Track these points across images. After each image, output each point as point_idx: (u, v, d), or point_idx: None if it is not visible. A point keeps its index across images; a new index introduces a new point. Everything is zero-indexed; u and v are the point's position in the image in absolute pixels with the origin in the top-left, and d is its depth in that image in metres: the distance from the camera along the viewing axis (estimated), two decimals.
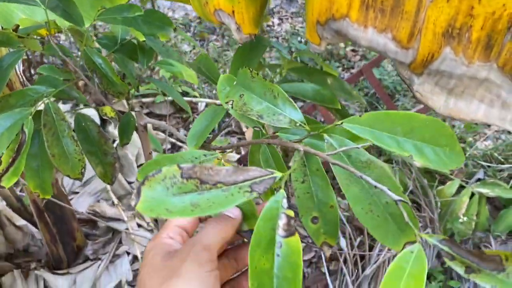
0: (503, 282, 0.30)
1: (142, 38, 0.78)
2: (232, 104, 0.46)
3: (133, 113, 0.79)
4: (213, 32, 2.86)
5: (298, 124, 0.41)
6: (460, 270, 0.31)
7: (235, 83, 0.48)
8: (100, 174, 0.75)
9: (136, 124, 0.79)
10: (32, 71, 2.08)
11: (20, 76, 1.07)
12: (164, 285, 0.38)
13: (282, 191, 0.36)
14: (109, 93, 0.76)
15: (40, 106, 0.71)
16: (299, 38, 2.81)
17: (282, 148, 1.85)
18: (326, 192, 0.41)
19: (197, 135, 0.55)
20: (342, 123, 0.39)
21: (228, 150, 0.53)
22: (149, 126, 2.01)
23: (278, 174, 0.36)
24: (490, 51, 0.48)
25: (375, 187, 0.34)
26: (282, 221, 0.34)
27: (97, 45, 0.83)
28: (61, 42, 2.52)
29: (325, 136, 0.40)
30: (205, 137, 0.54)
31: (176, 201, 0.34)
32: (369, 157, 0.38)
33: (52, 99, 0.72)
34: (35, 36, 0.80)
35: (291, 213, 0.35)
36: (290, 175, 0.40)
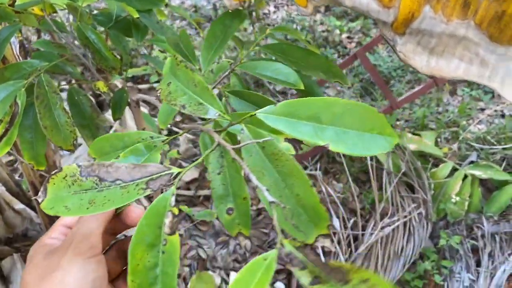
0: None
1: (135, 15, 0.79)
2: (160, 92, 0.45)
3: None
4: (209, 20, 2.87)
5: (217, 114, 0.41)
6: (306, 280, 0.29)
7: (165, 69, 0.47)
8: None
9: (129, 100, 0.81)
10: (28, 59, 2.09)
11: (16, 56, 1.08)
12: (45, 279, 0.38)
13: (172, 188, 0.36)
14: (101, 68, 0.77)
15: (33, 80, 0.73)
16: (294, 25, 2.82)
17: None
18: (240, 184, 0.41)
19: (166, 114, 0.57)
20: (255, 113, 0.37)
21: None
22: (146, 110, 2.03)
23: (175, 171, 0.37)
24: (468, 9, 0.50)
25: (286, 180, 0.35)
26: (168, 219, 0.34)
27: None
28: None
29: (242, 126, 0.39)
30: (172, 116, 0.56)
31: (75, 199, 0.35)
32: (279, 149, 0.37)
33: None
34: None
35: (176, 211, 0.35)
36: (206, 165, 0.42)
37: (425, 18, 0.51)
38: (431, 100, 2.30)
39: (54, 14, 0.93)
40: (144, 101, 2.28)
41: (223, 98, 0.62)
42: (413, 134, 2.02)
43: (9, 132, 0.66)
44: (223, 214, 0.41)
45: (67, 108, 0.73)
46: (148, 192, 0.36)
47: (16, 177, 1.73)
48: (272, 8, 3.07)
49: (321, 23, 2.84)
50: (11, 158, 2.05)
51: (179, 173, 0.37)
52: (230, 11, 0.72)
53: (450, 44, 0.53)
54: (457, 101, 2.36)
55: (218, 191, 0.41)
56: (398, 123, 2.20)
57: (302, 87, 0.60)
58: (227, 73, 0.67)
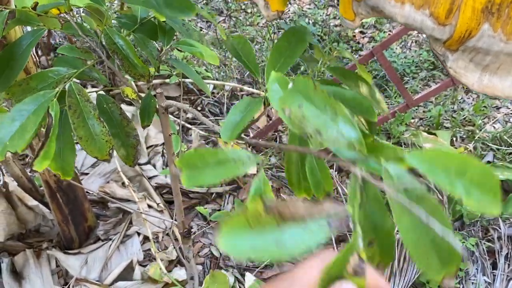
0: None
1: (162, 19, 0.77)
2: (290, 114, 0.42)
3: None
4: (220, 13, 2.83)
5: (357, 148, 0.39)
6: None
7: (290, 86, 0.44)
8: (122, 156, 0.75)
9: (157, 106, 0.78)
10: (40, 52, 2.06)
11: (33, 56, 1.06)
12: None
13: (358, 230, 0.35)
14: (130, 75, 0.75)
15: (62, 88, 0.70)
16: (306, 20, 2.77)
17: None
18: (384, 218, 0.40)
19: (232, 126, 0.53)
20: (406, 157, 0.37)
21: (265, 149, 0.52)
22: None
23: (350, 211, 0.36)
24: None
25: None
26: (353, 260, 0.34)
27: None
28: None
29: (383, 161, 0.38)
30: (240, 129, 0.52)
31: (259, 238, 0.33)
32: (425, 192, 0.37)
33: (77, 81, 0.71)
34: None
35: (363, 255, 0.34)
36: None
37: (483, 36, 0.49)
38: (446, 98, 2.26)
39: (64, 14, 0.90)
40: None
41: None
42: (429, 133, 1.99)
43: (46, 145, 0.63)
44: (365, 247, 0.40)
45: None
46: (333, 232, 0.34)
47: (29, 173, 1.72)
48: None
49: (334, 17, 2.80)
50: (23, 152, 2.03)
51: (354, 211, 0.36)
52: (293, 28, 0.68)
53: (506, 62, 0.51)
54: (472, 99, 2.33)
55: (365, 225, 0.39)
56: (412, 121, 2.17)
57: (375, 119, 0.59)
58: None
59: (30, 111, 0.62)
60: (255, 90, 2.10)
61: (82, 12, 0.81)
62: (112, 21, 0.80)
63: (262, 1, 0.58)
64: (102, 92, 0.76)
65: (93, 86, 1.99)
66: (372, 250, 0.38)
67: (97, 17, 0.78)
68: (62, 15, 0.76)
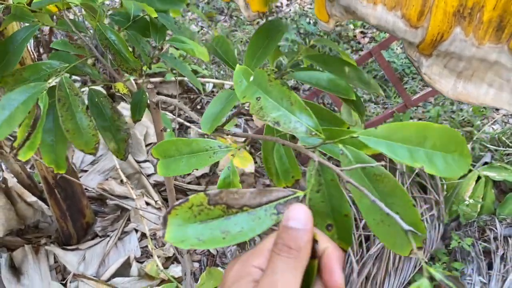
0: None
1: (154, 15, 0.78)
2: (249, 106, 0.44)
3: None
4: (221, 13, 2.84)
5: (313, 133, 0.41)
6: None
7: (251, 79, 0.46)
8: (113, 150, 0.76)
9: (148, 102, 0.80)
10: (41, 50, 2.08)
11: (31, 53, 1.08)
12: None
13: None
14: (122, 69, 0.76)
15: (54, 81, 0.72)
16: (307, 19, 2.78)
17: None
18: (341, 202, 0.41)
19: (212, 118, 0.54)
20: (357, 136, 0.38)
21: (239, 139, 0.53)
22: None
23: (300, 194, 0.37)
24: (502, 33, 0.47)
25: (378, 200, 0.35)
26: None
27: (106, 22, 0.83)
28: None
29: (340, 147, 0.39)
30: (219, 121, 0.53)
31: (205, 229, 0.34)
32: (383, 171, 0.38)
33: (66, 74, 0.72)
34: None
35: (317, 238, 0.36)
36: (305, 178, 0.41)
37: (454, 40, 0.49)
38: (445, 99, 2.27)
39: (64, 11, 0.91)
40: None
41: None
42: None
43: (32, 136, 0.65)
44: (323, 229, 0.41)
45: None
46: (281, 217, 0.36)
47: (28, 169, 1.74)
48: (285, 1, 3.04)
49: None
50: None
51: (305, 194, 0.38)
52: (269, 21, 0.70)
53: (480, 69, 0.51)
54: None
55: (318, 208, 0.41)
56: (411, 121, 2.17)
57: (354, 98, 0.61)
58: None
59: (20, 101, 0.63)
60: None
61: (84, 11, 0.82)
62: (106, 18, 0.81)
63: (243, 2, 0.59)
64: (99, 88, 0.77)
65: (93, 82, 2.01)
66: (330, 233, 0.39)
67: (92, 14, 0.80)
68: (61, 12, 0.77)
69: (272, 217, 0.35)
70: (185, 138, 0.51)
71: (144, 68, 0.80)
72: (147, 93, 0.80)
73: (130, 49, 0.77)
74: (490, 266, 1.65)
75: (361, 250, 1.51)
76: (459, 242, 1.68)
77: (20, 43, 0.72)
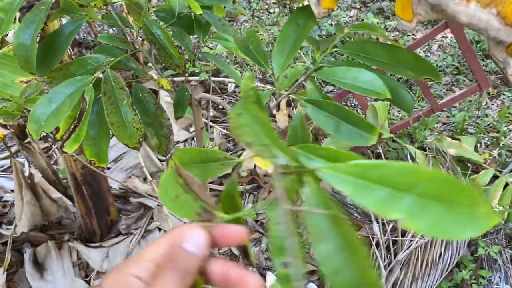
0: None
1: (199, 11, 0.77)
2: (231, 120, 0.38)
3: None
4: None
5: (286, 163, 0.35)
6: None
7: (241, 93, 0.41)
8: (155, 146, 0.76)
9: (191, 99, 0.79)
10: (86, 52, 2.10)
11: (69, 50, 1.08)
12: None
13: None
14: (166, 65, 0.76)
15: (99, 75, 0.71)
16: (329, 21, 2.77)
17: (313, 132, 1.84)
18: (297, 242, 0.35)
19: None
20: (320, 170, 0.32)
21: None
22: None
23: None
24: None
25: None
26: None
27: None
28: None
29: (305, 182, 0.34)
30: None
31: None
32: (344, 217, 0.30)
33: None
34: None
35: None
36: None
37: None
38: (470, 104, 2.23)
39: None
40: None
41: (299, 107, 0.60)
42: (452, 138, 1.97)
43: (78, 128, 0.65)
44: (279, 266, 0.35)
45: None
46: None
47: (53, 165, 1.74)
48: (306, 2, 3.02)
49: (357, 19, 2.78)
50: (46, 145, 2.06)
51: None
52: (301, 6, 0.69)
53: None
54: (496, 105, 2.30)
55: (276, 243, 0.35)
56: (435, 126, 2.14)
57: (389, 96, 0.56)
58: (302, 78, 0.64)
59: (66, 94, 0.63)
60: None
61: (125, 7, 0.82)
62: (151, 15, 0.81)
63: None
64: (139, 82, 0.76)
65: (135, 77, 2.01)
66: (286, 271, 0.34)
67: (137, 10, 0.79)
68: (107, 7, 0.77)
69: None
70: (198, 148, 0.51)
71: (187, 65, 0.79)
72: (189, 90, 0.79)
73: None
74: None
75: (388, 255, 1.49)
76: (486, 250, 1.65)
77: (67, 36, 0.72)
